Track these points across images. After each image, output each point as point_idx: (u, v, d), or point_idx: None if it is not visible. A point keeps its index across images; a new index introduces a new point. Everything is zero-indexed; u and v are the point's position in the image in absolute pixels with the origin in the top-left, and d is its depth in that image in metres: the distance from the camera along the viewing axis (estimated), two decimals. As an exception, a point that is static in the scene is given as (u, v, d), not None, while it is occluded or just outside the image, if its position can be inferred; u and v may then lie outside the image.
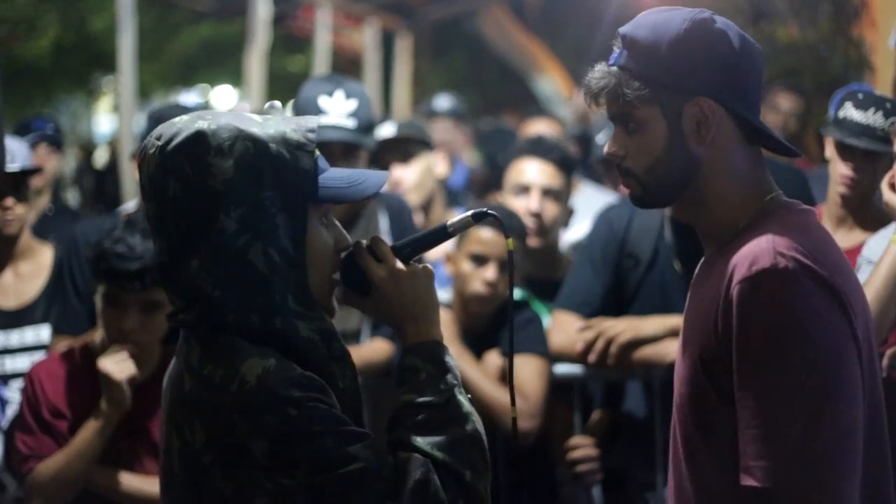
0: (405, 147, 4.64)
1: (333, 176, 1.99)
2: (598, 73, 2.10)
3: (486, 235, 3.69)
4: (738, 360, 1.97)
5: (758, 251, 1.98)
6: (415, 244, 2.05)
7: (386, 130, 4.72)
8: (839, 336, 1.96)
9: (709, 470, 2.07)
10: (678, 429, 2.13)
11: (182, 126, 1.94)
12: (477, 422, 1.97)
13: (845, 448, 1.94)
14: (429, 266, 2.04)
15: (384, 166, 4.65)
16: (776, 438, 1.94)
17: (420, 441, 1.91)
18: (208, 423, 1.87)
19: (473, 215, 2.04)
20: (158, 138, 1.94)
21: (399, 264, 2.01)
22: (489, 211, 2.05)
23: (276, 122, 1.96)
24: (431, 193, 4.74)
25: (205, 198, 1.90)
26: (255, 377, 1.85)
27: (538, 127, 6.49)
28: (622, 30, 2.10)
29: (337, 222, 2.02)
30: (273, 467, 1.84)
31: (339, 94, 3.76)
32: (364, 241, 2.03)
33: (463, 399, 1.98)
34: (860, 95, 3.49)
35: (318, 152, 1.97)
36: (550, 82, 14.23)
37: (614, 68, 2.09)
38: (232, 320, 1.91)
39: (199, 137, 1.92)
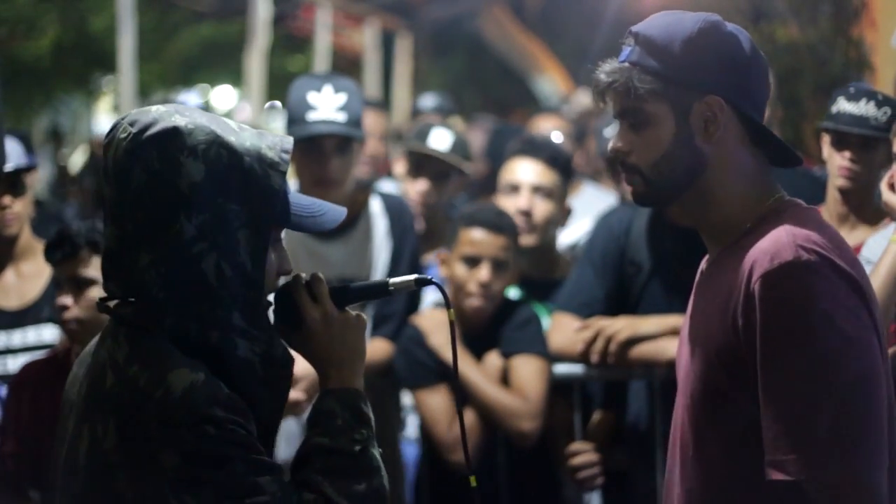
0: (446, 169, 4.55)
1: (296, 202, 1.97)
2: (609, 68, 2.13)
3: (477, 236, 3.66)
4: (762, 355, 1.99)
5: (778, 245, 2.01)
6: (353, 293, 2.05)
7: (440, 139, 4.56)
8: (863, 327, 1.99)
9: (719, 465, 2.07)
10: (687, 426, 2.13)
11: (158, 117, 1.89)
12: (384, 478, 1.95)
13: (875, 438, 1.96)
14: (363, 315, 2.04)
15: (418, 172, 4.56)
16: (807, 431, 1.95)
17: (327, 486, 1.90)
18: (124, 425, 1.83)
19: (416, 280, 2.05)
20: (132, 124, 1.89)
21: (333, 309, 2.01)
22: (432, 279, 2.06)
23: (252, 135, 1.93)
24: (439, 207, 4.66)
25: (169, 197, 1.86)
26: (181, 388, 1.81)
27: (545, 125, 6.49)
28: (635, 28, 2.14)
29: (283, 245, 1.99)
30: (180, 483, 1.80)
31: (328, 89, 3.75)
32: (304, 276, 2.01)
33: (375, 453, 1.96)
34: (851, 89, 3.52)
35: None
36: (550, 82, 14.23)
37: (625, 64, 2.11)
38: (169, 325, 1.87)
39: (174, 133, 1.87)
